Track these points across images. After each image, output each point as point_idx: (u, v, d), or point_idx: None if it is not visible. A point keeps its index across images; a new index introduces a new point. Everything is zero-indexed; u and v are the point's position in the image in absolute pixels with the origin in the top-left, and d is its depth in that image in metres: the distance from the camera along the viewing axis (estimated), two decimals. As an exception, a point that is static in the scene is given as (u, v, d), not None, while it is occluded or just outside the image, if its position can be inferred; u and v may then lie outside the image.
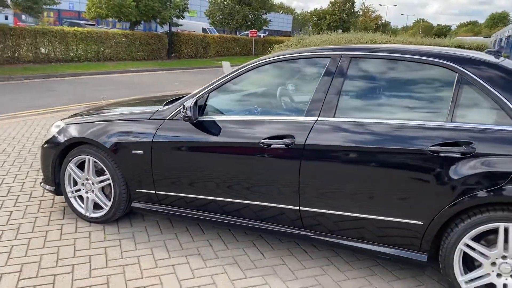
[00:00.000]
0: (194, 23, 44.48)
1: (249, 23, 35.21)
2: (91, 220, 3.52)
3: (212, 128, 3.06)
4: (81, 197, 3.57)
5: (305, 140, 2.74)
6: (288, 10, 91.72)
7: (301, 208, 2.84)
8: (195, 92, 3.25)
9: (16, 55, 16.19)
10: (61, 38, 17.69)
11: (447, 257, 2.51)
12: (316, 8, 53.00)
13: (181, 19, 26.79)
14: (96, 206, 3.52)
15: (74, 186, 3.56)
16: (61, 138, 3.52)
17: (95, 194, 3.49)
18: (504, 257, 2.40)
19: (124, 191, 3.37)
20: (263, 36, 38.42)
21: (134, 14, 22.60)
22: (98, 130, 3.39)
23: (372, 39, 7.02)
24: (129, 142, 3.26)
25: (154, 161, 3.19)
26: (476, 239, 2.45)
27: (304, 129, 2.78)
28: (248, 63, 3.18)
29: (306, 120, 2.81)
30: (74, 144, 3.49)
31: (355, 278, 2.86)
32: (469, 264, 2.52)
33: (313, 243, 3.14)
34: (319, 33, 8.93)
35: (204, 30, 38.28)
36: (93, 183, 3.47)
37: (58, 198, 3.90)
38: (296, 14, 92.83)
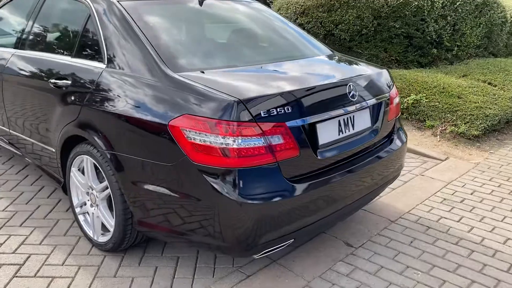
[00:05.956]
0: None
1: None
2: None
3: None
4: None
5: (3, 68, 3.09)
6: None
7: (11, 131, 3.23)
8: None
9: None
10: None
11: (67, 182, 2.69)
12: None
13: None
14: None
15: None
16: None
17: None
18: (91, 188, 2.51)
19: None
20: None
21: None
22: None
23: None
24: None
25: None
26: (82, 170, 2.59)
27: (4, 60, 3.13)
28: None
29: (8, 51, 3.15)
30: None
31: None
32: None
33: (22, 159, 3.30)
34: None
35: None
36: None
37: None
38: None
